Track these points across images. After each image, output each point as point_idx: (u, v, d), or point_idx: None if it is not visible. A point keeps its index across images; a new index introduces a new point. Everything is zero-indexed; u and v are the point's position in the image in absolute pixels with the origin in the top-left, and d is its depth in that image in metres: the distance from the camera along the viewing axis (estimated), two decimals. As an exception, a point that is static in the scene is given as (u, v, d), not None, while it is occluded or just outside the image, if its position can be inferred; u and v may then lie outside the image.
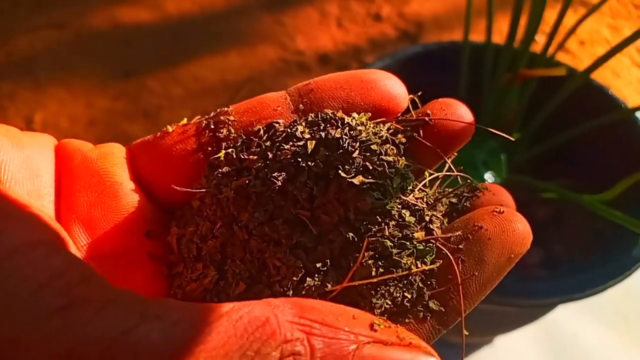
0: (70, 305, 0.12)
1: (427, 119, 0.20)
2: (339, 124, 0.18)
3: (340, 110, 0.19)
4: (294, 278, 0.16)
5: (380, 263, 0.17)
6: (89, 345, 0.12)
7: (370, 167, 0.17)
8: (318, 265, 0.17)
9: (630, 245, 0.40)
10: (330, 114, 0.18)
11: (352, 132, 0.18)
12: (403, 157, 0.18)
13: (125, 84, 0.76)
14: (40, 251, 0.13)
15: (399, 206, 0.17)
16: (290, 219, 0.17)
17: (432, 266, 0.17)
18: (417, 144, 0.20)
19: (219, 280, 0.18)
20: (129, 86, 0.75)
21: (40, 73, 0.77)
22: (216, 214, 0.18)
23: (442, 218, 0.19)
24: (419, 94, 0.21)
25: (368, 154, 0.17)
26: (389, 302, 0.17)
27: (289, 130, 0.18)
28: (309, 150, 0.17)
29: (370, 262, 0.17)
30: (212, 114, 0.20)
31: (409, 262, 0.17)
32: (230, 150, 0.19)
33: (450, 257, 0.17)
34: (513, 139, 0.21)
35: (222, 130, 0.19)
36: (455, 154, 0.21)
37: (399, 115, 0.20)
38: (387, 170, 0.17)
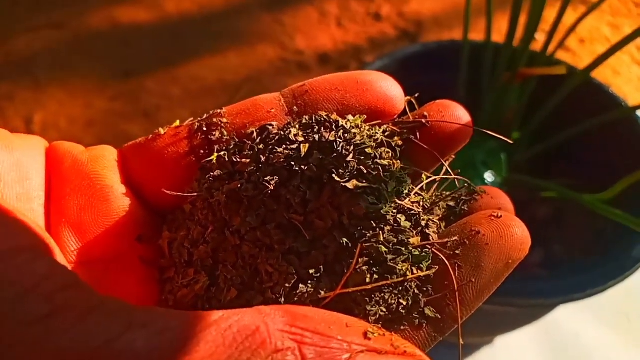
0: (53, 312, 0.12)
1: (424, 121, 0.19)
2: (333, 127, 0.18)
3: (335, 113, 0.19)
4: (287, 284, 0.16)
5: (374, 269, 0.16)
6: (71, 354, 0.12)
7: (365, 171, 0.17)
8: (311, 271, 0.16)
9: (631, 244, 0.39)
10: (325, 117, 0.18)
11: (346, 135, 0.17)
12: (399, 160, 0.18)
13: (124, 84, 0.76)
14: (25, 257, 0.13)
15: (394, 211, 0.17)
16: (283, 223, 0.17)
17: (428, 272, 0.17)
18: (414, 147, 0.19)
19: (210, 286, 0.17)
20: (128, 86, 0.75)
21: (39, 73, 0.77)
22: (208, 219, 0.18)
23: (439, 222, 0.19)
24: (416, 95, 0.20)
25: (362, 157, 0.17)
26: (384, 309, 0.16)
27: (282, 133, 0.18)
28: (303, 154, 0.17)
29: (364, 268, 0.16)
30: (204, 116, 0.20)
31: (404, 268, 0.17)
32: (222, 153, 0.18)
33: (447, 263, 0.17)
34: (511, 142, 0.20)
35: (214, 133, 0.19)
36: (453, 156, 0.20)
37: (395, 117, 0.20)
38: (382, 174, 0.17)
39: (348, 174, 0.17)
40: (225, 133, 0.19)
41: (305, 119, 0.18)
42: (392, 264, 0.16)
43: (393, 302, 0.16)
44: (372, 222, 0.17)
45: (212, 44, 0.80)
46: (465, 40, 0.47)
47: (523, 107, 0.49)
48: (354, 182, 0.17)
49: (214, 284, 0.17)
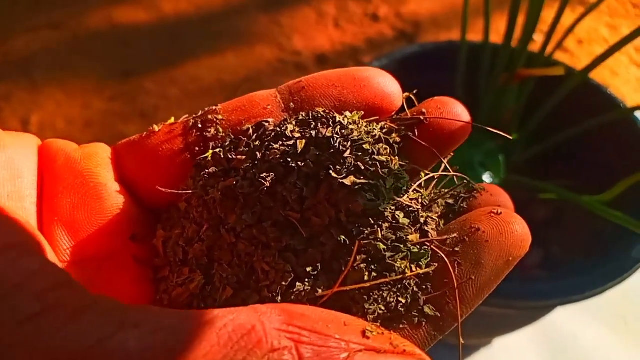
0: (43, 311, 0.12)
1: (422, 117, 0.19)
2: (331, 123, 0.17)
3: (332, 109, 0.18)
4: (283, 283, 0.16)
5: (373, 267, 0.16)
6: (63, 354, 0.11)
7: (363, 167, 0.16)
8: (308, 269, 0.16)
9: (630, 245, 0.39)
10: (322, 113, 0.18)
11: (343, 131, 0.17)
12: (397, 157, 0.18)
13: (122, 84, 0.75)
14: (14, 254, 0.13)
15: (393, 207, 0.17)
16: (279, 221, 0.16)
17: (427, 270, 0.17)
18: (412, 144, 0.19)
19: (205, 285, 0.17)
20: (126, 87, 0.75)
21: (37, 74, 0.77)
22: (203, 216, 0.17)
23: (437, 220, 0.18)
24: (415, 92, 0.20)
25: (360, 153, 0.17)
26: (383, 308, 0.16)
27: (278, 130, 0.18)
28: (299, 150, 0.17)
29: (362, 265, 0.16)
30: (199, 113, 0.19)
31: (403, 265, 0.16)
32: (217, 150, 0.18)
33: (446, 260, 0.17)
34: (511, 137, 0.20)
35: (210, 130, 0.19)
36: (452, 153, 0.20)
37: (393, 114, 0.20)
38: (380, 171, 0.17)
39: (345, 170, 0.16)
40: (221, 130, 0.19)
41: (302, 115, 0.18)
42: (390, 262, 0.16)
43: (392, 300, 0.16)
44: (370, 219, 0.16)
45: (210, 45, 0.80)
46: (463, 41, 0.47)
47: (521, 108, 0.49)
48: (352, 178, 0.16)
49: (209, 282, 0.17)
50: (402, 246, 0.17)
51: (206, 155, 0.18)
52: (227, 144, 0.18)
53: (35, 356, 0.11)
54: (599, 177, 0.46)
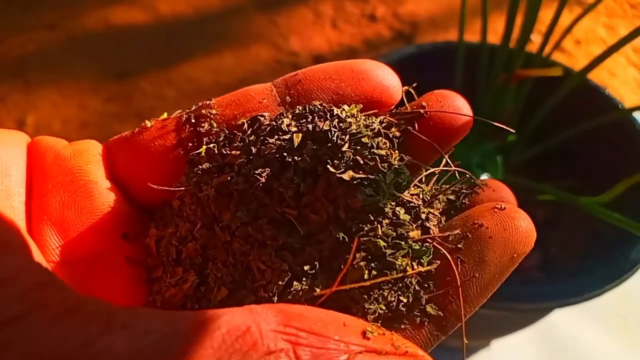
0: (25, 313, 0.11)
1: (422, 111, 0.19)
2: (328, 116, 0.17)
3: (330, 103, 0.18)
4: (280, 282, 0.15)
5: (373, 265, 0.16)
6: None
7: (361, 162, 0.16)
8: (306, 268, 0.15)
9: (628, 247, 0.39)
10: (319, 106, 0.17)
11: (341, 124, 0.17)
12: (397, 152, 0.17)
13: (118, 85, 0.75)
14: None
15: (393, 203, 0.16)
16: (275, 218, 0.16)
17: (429, 267, 0.16)
18: (412, 138, 0.19)
19: (199, 285, 0.16)
20: (122, 88, 0.75)
21: (32, 75, 0.76)
22: (196, 214, 0.17)
23: (439, 216, 0.18)
24: (414, 84, 0.20)
25: (359, 147, 0.16)
26: (383, 307, 0.15)
27: (274, 124, 0.17)
28: (296, 144, 0.16)
29: (362, 263, 0.15)
30: (193, 108, 0.19)
31: (404, 263, 0.16)
32: (211, 145, 0.18)
33: (449, 257, 0.16)
34: (512, 131, 0.20)
35: (203, 125, 0.18)
36: (453, 148, 0.19)
37: (392, 107, 0.19)
38: (379, 165, 0.16)
39: (344, 164, 0.16)
40: (215, 125, 0.18)
41: (299, 109, 0.18)
42: (391, 259, 0.16)
43: (393, 299, 0.16)
44: (370, 215, 0.16)
45: (206, 45, 0.80)
46: (460, 42, 0.47)
47: (519, 109, 0.48)
48: (350, 173, 0.16)
49: (203, 282, 0.17)
50: (403, 243, 0.16)
51: (200, 150, 0.18)
52: (221, 139, 0.18)
53: None
54: (597, 178, 0.46)
